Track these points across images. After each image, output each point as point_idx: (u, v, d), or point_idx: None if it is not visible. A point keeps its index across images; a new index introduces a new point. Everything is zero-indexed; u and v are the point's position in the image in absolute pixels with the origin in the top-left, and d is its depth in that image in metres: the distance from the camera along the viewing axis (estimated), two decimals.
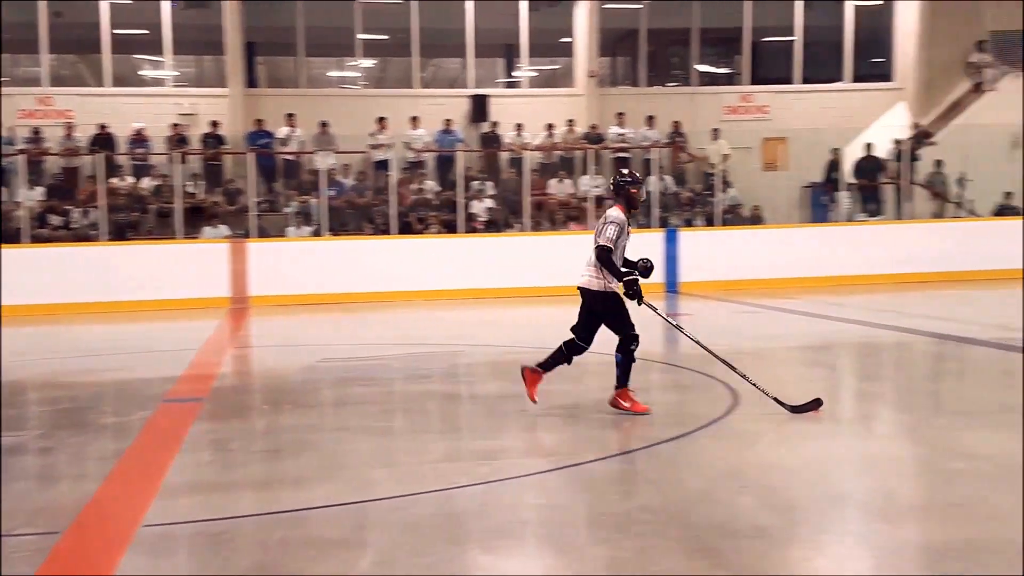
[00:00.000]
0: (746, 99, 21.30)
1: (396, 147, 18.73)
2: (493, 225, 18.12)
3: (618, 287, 6.77)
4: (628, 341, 6.83)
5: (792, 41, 21.52)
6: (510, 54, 22.17)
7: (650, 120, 20.04)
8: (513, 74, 22.21)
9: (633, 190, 6.89)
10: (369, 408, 7.63)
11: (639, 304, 6.86)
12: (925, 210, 19.64)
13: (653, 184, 18.43)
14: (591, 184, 18.37)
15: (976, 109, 20.54)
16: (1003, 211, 19.26)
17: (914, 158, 19.34)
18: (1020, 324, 11.56)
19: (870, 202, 19.47)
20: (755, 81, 21.61)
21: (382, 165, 18.52)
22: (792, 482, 5.10)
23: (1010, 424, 6.36)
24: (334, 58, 22.61)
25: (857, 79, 21.60)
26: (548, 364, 7.09)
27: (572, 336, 7.00)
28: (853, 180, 19.35)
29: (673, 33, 22.24)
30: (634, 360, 6.87)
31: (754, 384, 6.99)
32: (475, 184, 18.59)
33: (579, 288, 6.93)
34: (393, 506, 4.80)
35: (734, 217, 18.97)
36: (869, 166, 19.50)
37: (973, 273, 17.65)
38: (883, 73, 21.78)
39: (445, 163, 19.21)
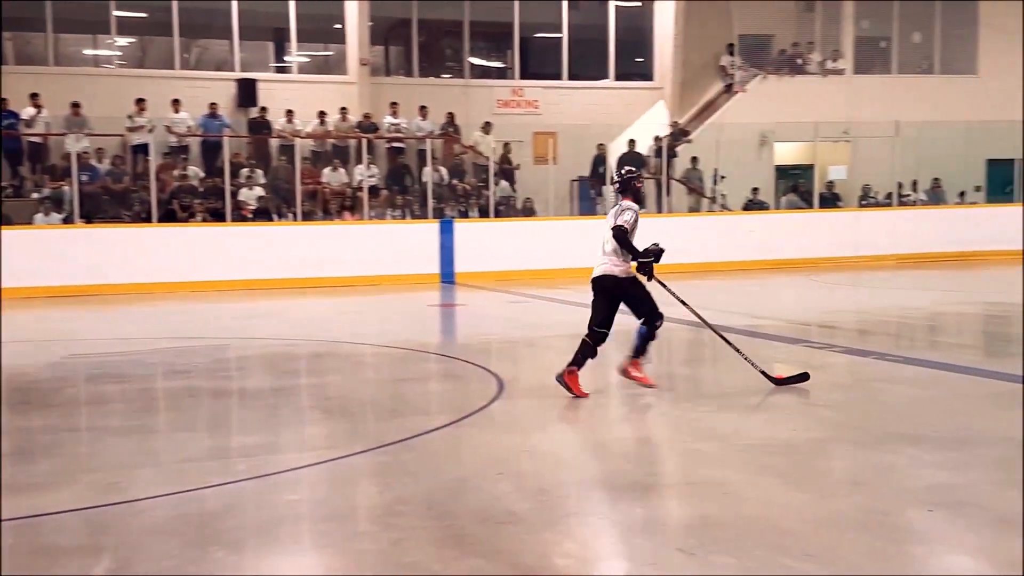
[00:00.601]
0: (517, 93, 21.73)
1: (157, 131, 17.83)
2: (263, 214, 17.61)
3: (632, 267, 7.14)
4: (654, 318, 7.26)
5: (560, 38, 22.12)
6: (280, 38, 21.61)
7: (424, 111, 20.07)
8: (285, 59, 21.66)
9: (638, 184, 7.32)
10: (121, 406, 7.23)
11: (649, 280, 7.25)
12: (683, 204, 20.72)
13: (428, 175, 18.48)
14: (366, 173, 18.19)
15: (727, 109, 21.84)
16: (750, 206, 20.60)
17: (672, 155, 20.33)
18: (767, 312, 12.41)
19: None
20: (526, 76, 22.07)
21: (141, 149, 17.57)
22: (547, 467, 5.23)
23: (751, 406, 6.80)
24: (88, 35, 21.26)
25: (620, 78, 22.48)
26: (578, 360, 7.13)
27: (589, 331, 7.18)
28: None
29: (446, 25, 22.37)
30: (655, 337, 7.32)
31: (745, 357, 7.42)
32: (244, 171, 18.00)
33: (599, 277, 7.15)
34: (137, 508, 4.56)
35: (507, 209, 19.31)
36: (632, 161, 20.31)
37: (727, 264, 18.81)
38: (644, 72, 22.78)
39: (211, 149, 18.47)
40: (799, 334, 10.41)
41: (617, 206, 7.17)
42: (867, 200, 21.72)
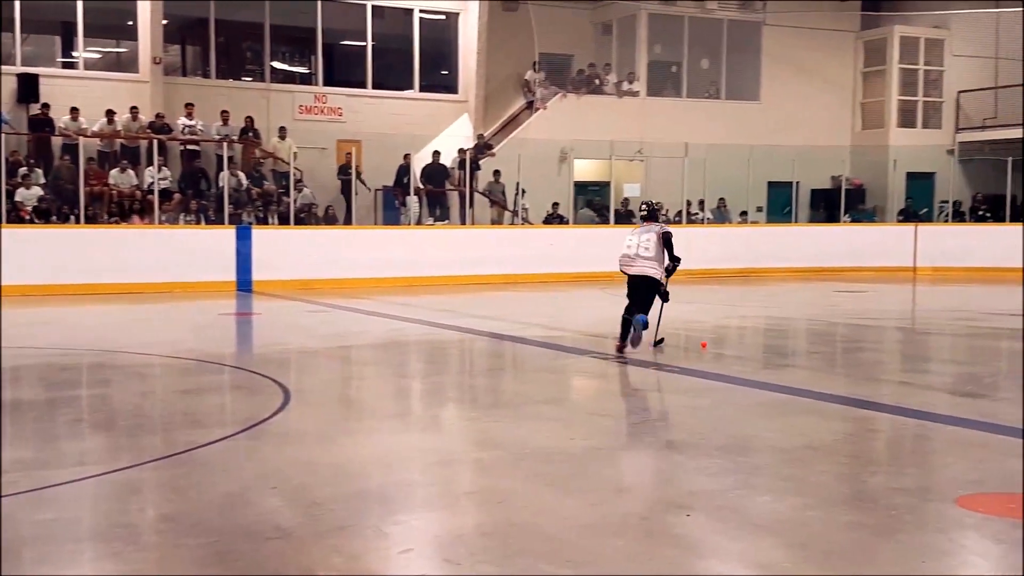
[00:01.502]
0: (320, 100, 21.40)
1: None
2: (43, 215, 16.59)
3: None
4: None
5: (364, 47, 21.96)
6: (67, 32, 20.46)
7: (223, 114, 19.46)
8: (72, 55, 20.51)
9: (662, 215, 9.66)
10: None
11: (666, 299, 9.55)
12: (486, 217, 20.97)
13: (225, 179, 17.92)
14: (157, 176, 17.43)
15: (529, 124, 22.29)
16: (551, 220, 21.08)
17: (476, 167, 20.55)
18: (564, 324, 12.69)
19: (437, 207, 20.40)
20: (330, 83, 21.77)
21: None
22: (324, 480, 5.12)
23: (538, 416, 6.92)
24: None
25: (425, 89, 22.54)
26: (630, 339, 9.24)
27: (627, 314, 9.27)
28: (421, 186, 20.16)
29: (246, 27, 21.78)
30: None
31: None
32: (22, 170, 16.91)
33: (642, 276, 9.35)
34: None
35: (308, 216, 18.97)
36: (436, 173, 20.43)
37: (529, 276, 19.15)
38: (449, 85, 22.93)
39: None
40: (592, 345, 10.68)
41: (658, 225, 9.52)
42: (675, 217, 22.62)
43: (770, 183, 24.73)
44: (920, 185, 25.82)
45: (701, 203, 23.19)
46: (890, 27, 25.86)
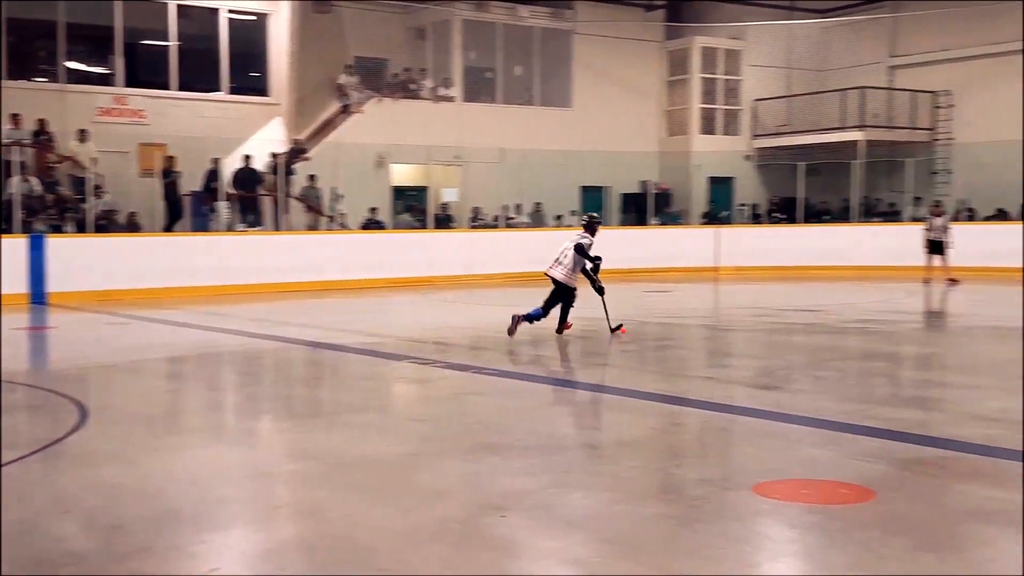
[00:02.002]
0: (120, 101, 20.41)
1: None
2: None
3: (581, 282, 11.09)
4: (569, 308, 11.24)
5: (168, 47, 21.12)
6: None
7: (13, 117, 18.28)
8: None
9: (599, 228, 11.30)
10: None
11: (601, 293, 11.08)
12: (301, 222, 20.56)
13: (16, 186, 16.85)
14: None
15: (345, 128, 22.01)
16: (369, 225, 20.89)
17: (290, 172, 20.12)
18: (383, 329, 12.57)
19: (249, 213, 19.85)
20: (131, 84, 20.81)
21: None
22: (124, 501, 4.88)
23: (353, 424, 6.83)
24: None
25: (235, 91, 21.87)
26: (526, 317, 10.92)
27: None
28: (232, 191, 19.57)
29: (39, 25, 20.55)
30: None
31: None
32: None
33: (552, 278, 11.06)
34: None
35: (109, 223, 18.07)
36: (247, 178, 19.87)
37: (347, 283, 18.91)
38: (259, 87, 22.33)
39: None
40: (412, 350, 10.65)
41: (576, 237, 10.95)
42: (477, 221, 22.82)
43: (583, 187, 25.37)
44: (721, 189, 27.09)
45: (518, 207, 23.53)
46: (691, 38, 27.00)
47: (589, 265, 11.07)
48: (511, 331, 10.92)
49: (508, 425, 6.69)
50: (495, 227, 22.81)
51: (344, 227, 20.86)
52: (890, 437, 6.04)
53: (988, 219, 23.44)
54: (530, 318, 11.03)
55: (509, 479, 5.21)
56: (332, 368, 10.12)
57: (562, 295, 11.14)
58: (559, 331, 11.27)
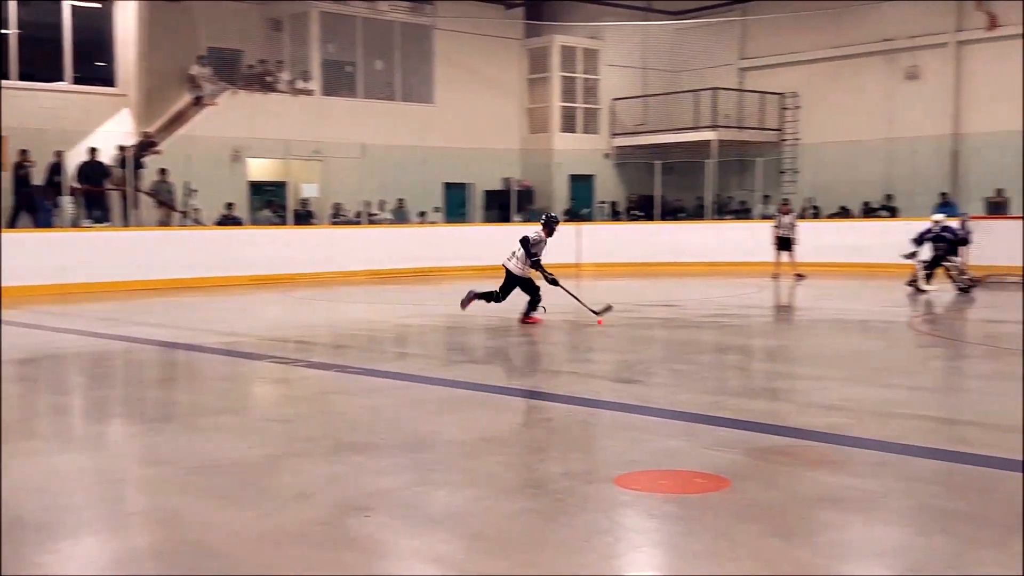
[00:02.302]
0: None
1: None
2: None
3: (534, 273, 12.05)
4: (536, 300, 12.02)
5: (6, 35, 20.03)
6: None
7: None
8: None
9: (556, 226, 12.31)
10: None
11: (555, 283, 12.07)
12: (152, 218, 19.87)
13: None
14: None
15: (198, 121, 21.35)
16: (225, 221, 20.35)
17: (139, 165, 19.41)
18: (243, 328, 12.25)
19: (96, 208, 19.04)
20: None
21: None
22: None
23: (208, 427, 6.63)
24: None
25: (80, 81, 20.91)
26: (482, 296, 12.19)
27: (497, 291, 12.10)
28: (77, 185, 18.74)
29: None
30: (535, 307, 12.02)
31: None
32: None
33: (506, 269, 12.09)
34: None
35: None
36: (93, 171, 19.06)
37: (202, 280, 18.37)
38: (106, 77, 21.41)
39: None
40: (273, 350, 10.42)
41: (531, 234, 11.95)
42: (338, 218, 22.53)
43: (446, 184, 25.37)
44: (581, 187, 27.54)
45: (381, 204, 23.34)
46: (551, 36, 27.32)
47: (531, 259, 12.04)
48: (464, 304, 12.26)
49: (372, 424, 6.63)
50: (357, 223, 22.57)
51: (198, 223, 20.27)
52: (743, 427, 6.26)
53: (831, 217, 24.56)
54: (488, 297, 12.20)
55: (373, 478, 5.16)
56: (187, 369, 9.81)
57: (515, 285, 12.08)
58: (522, 321, 12.00)
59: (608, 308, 12.19)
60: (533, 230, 12.17)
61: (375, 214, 23.12)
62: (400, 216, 23.80)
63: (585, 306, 12.14)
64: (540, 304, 12.06)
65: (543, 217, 12.59)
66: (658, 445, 5.86)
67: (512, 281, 12.11)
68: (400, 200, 23.83)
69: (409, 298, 17.13)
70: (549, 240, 12.24)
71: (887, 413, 6.77)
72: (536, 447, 6.11)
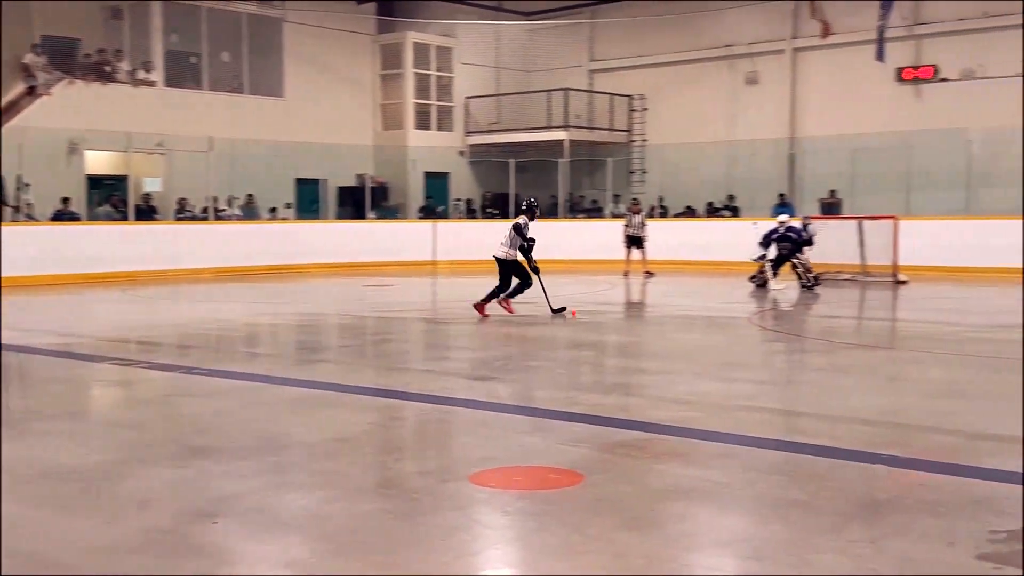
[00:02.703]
0: None
1: None
2: None
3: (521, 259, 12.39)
4: (524, 285, 12.38)
5: None
6: None
7: None
8: None
9: (537, 211, 12.92)
10: None
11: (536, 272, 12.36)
12: None
13: None
14: None
15: (32, 112, 20.26)
16: (61, 216, 19.40)
17: None
18: (81, 329, 11.69)
19: None
20: None
21: None
22: None
23: (52, 431, 6.30)
24: None
25: None
26: (489, 298, 12.42)
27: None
28: None
29: None
30: (522, 292, 12.43)
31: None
32: None
33: (496, 258, 12.38)
34: None
35: None
36: None
37: (37, 278, 17.47)
38: None
39: None
40: (114, 351, 9.98)
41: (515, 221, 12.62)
42: (184, 213, 21.80)
43: (298, 180, 24.91)
44: (437, 184, 27.50)
45: (230, 199, 22.71)
46: (404, 33, 27.17)
47: (524, 244, 12.47)
48: (480, 308, 12.51)
49: (220, 427, 6.43)
50: (204, 219, 21.88)
51: (31, 218, 19.26)
52: (596, 422, 6.37)
53: (678, 216, 25.30)
54: (494, 295, 12.45)
55: (221, 483, 5.00)
56: (18, 372, 9.30)
57: (509, 270, 12.47)
58: (501, 302, 12.46)
59: (563, 309, 12.56)
60: (520, 219, 12.64)
61: (223, 210, 22.48)
62: (249, 212, 23.22)
63: (548, 303, 12.43)
64: (519, 292, 12.49)
65: (524, 204, 13.03)
66: (513, 442, 5.89)
67: (506, 268, 12.48)
68: (249, 196, 23.25)
69: (259, 296, 16.74)
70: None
71: (731, 406, 7.01)
72: (391, 447, 6.06)
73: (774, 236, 17.12)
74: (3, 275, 17.02)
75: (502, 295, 12.46)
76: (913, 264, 18.45)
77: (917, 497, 4.68)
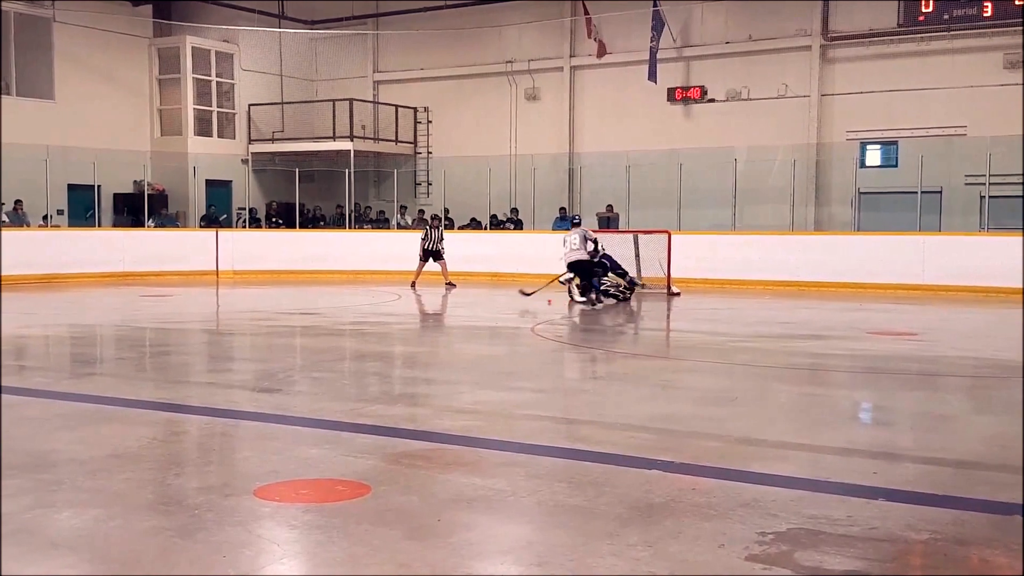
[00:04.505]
0: None
1: None
2: None
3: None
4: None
5: None
6: None
7: None
8: None
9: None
10: None
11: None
12: None
13: None
14: None
15: None
16: None
17: None
18: None
19: None
20: None
21: None
22: None
23: None
24: None
25: None
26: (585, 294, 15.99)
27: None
28: None
29: None
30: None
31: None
32: None
33: (573, 262, 16.04)
34: None
35: None
36: None
37: None
38: None
39: None
40: None
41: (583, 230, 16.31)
42: None
43: (70, 186, 23.61)
44: (219, 192, 26.73)
45: None
46: (182, 36, 26.29)
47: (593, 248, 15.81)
48: (594, 300, 15.75)
49: None
50: None
51: None
52: (382, 433, 6.42)
53: (463, 228, 25.68)
54: (585, 291, 15.78)
55: None
56: None
57: (585, 270, 15.75)
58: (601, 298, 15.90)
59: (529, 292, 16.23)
60: (577, 233, 16.18)
61: None
62: (17, 219, 21.78)
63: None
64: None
65: (575, 219, 17.02)
66: (299, 454, 5.86)
67: (582, 268, 15.83)
68: (17, 201, 21.82)
69: (27, 307, 15.74)
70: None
71: (514, 415, 7.23)
72: (171, 462, 5.89)
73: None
74: None
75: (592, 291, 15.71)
76: (685, 276, 19.51)
77: (690, 501, 4.88)
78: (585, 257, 16.02)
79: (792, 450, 6.17)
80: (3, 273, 19.42)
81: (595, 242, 16.41)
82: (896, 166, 22.77)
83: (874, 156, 23.41)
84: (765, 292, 19.22)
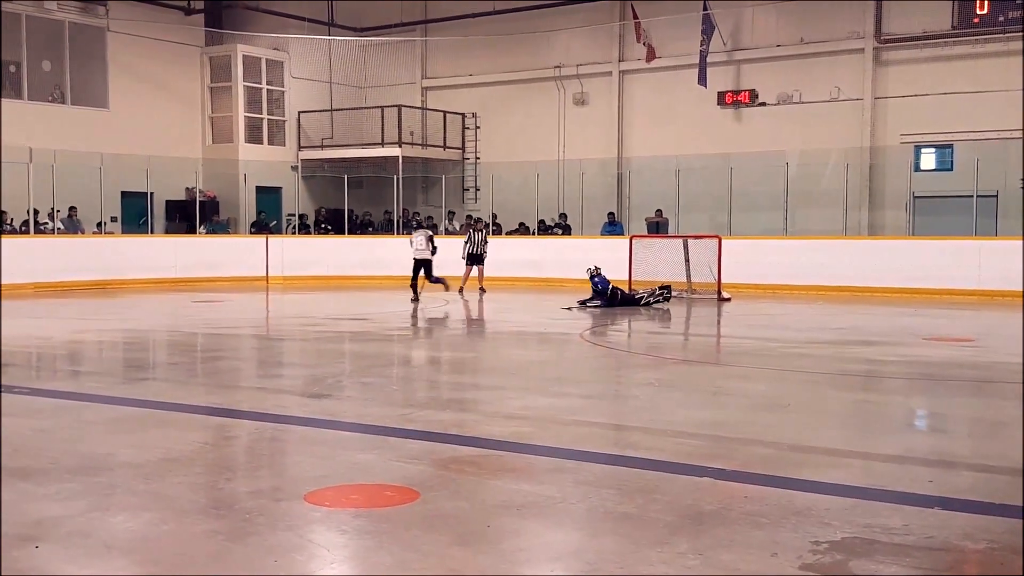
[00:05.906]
0: None
1: None
2: None
3: None
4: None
5: None
6: None
7: None
8: None
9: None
10: None
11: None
12: None
13: None
14: None
15: None
16: None
17: None
18: None
19: None
20: None
21: None
22: None
23: None
24: None
25: None
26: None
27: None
28: None
29: None
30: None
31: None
32: None
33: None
34: None
35: None
36: None
37: None
38: None
39: None
40: None
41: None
42: (3, 227, 20.66)
43: (124, 193, 24.00)
44: (269, 199, 27.01)
45: (52, 212, 21.65)
46: (233, 45, 26.62)
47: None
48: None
49: (40, 448, 6.16)
50: (25, 233, 20.80)
51: None
52: (431, 439, 6.43)
53: (511, 233, 25.66)
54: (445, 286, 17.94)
55: (42, 506, 4.81)
56: None
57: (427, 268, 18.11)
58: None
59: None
60: (423, 234, 17.14)
61: (44, 223, 21.41)
62: (72, 226, 22.20)
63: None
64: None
65: (424, 223, 15.97)
66: (348, 459, 5.89)
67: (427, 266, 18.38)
68: (72, 208, 22.24)
69: (83, 312, 16.04)
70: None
71: (563, 421, 7.20)
72: (222, 466, 5.95)
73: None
74: None
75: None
76: (735, 282, 19.33)
77: (741, 509, 4.82)
78: (429, 257, 18.45)
79: (845, 457, 6.07)
80: (57, 279, 19.81)
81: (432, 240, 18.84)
82: (951, 170, 22.38)
83: (929, 160, 23.03)
84: (818, 297, 18.97)
